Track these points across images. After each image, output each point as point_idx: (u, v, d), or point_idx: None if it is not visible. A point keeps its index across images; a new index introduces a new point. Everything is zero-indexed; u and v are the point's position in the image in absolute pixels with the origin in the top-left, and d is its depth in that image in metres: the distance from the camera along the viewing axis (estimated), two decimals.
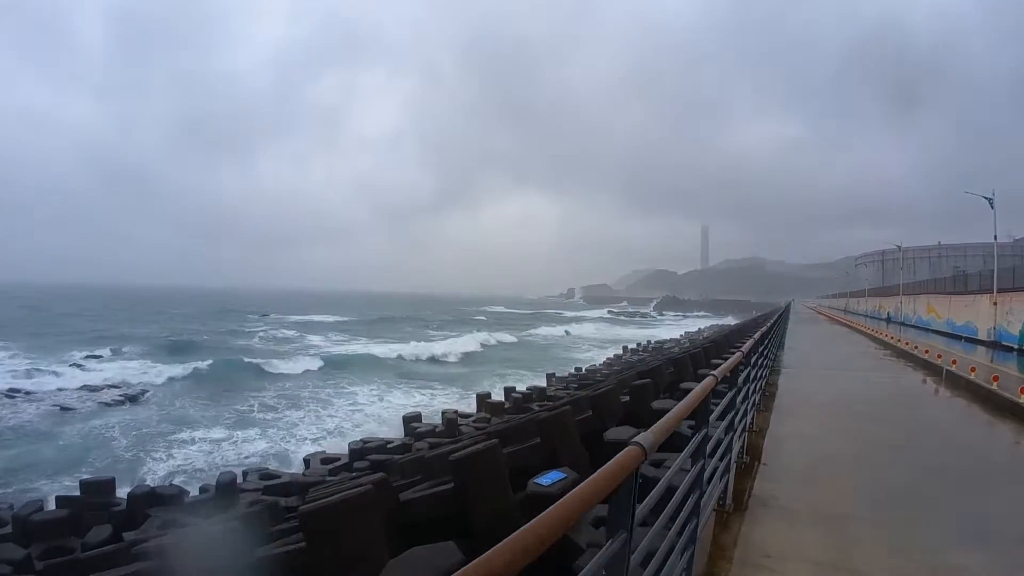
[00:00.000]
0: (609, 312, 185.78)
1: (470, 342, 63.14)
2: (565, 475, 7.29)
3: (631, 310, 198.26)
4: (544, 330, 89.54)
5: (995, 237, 31.23)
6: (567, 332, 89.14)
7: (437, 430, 20.92)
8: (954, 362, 17.61)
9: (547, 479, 7.14)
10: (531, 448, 9.73)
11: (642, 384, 13.04)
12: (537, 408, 18.25)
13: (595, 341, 75.55)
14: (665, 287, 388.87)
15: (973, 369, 15.85)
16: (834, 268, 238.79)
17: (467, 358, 53.84)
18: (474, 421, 21.75)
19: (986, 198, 29.99)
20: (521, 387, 29.17)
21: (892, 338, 29.28)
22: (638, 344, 57.79)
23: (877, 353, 25.54)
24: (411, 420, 22.64)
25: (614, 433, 9.53)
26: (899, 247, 64.78)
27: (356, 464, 17.21)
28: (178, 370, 39.78)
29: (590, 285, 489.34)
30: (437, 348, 57.80)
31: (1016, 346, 26.85)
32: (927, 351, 22.08)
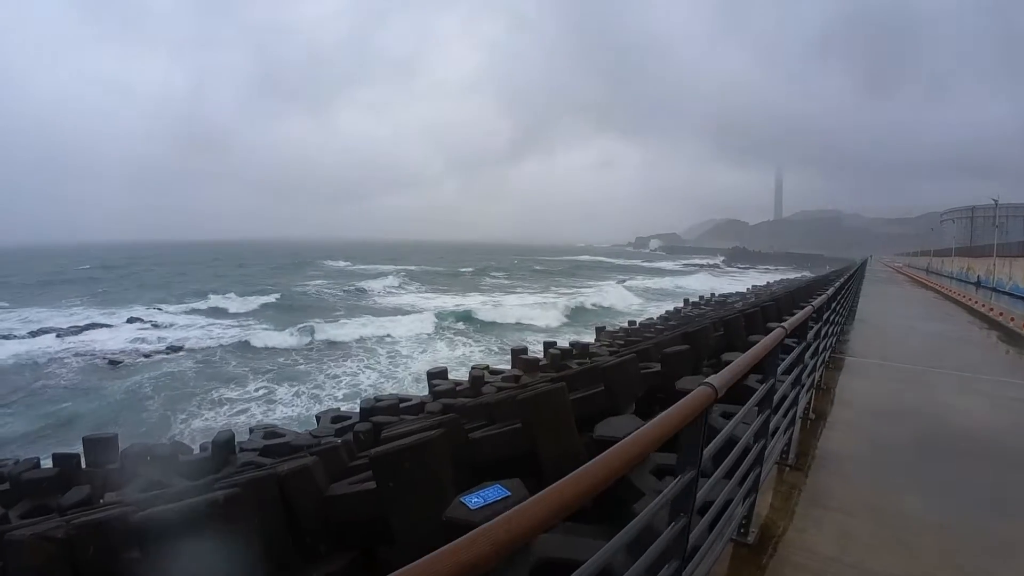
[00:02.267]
0: (674, 262, 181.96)
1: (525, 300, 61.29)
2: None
3: (699, 261, 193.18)
4: (605, 282, 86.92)
5: None
6: (623, 281, 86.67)
7: (458, 388, 19.30)
8: None
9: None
10: (596, 395, 9.43)
11: (676, 352, 11.21)
12: (576, 366, 16.96)
13: (654, 291, 72.82)
14: (736, 238, 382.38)
15: None
16: (916, 224, 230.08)
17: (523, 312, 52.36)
18: (503, 379, 19.99)
19: None
20: (564, 342, 27.26)
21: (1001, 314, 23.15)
22: (700, 297, 55.20)
23: (982, 337, 18.77)
24: (435, 376, 21.00)
25: (686, 383, 8.90)
26: (995, 201, 58.84)
27: (428, 407, 16.70)
28: (226, 327, 39.92)
29: (659, 234, 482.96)
30: (509, 300, 57.91)
31: None
32: None
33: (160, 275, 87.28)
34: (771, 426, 4.44)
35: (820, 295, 9.17)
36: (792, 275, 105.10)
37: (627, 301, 60.63)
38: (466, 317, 45.43)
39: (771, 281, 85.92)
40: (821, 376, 9.85)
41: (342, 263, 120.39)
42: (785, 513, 5.11)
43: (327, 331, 37.29)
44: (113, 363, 30.12)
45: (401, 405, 17.67)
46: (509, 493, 5.24)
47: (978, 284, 52.40)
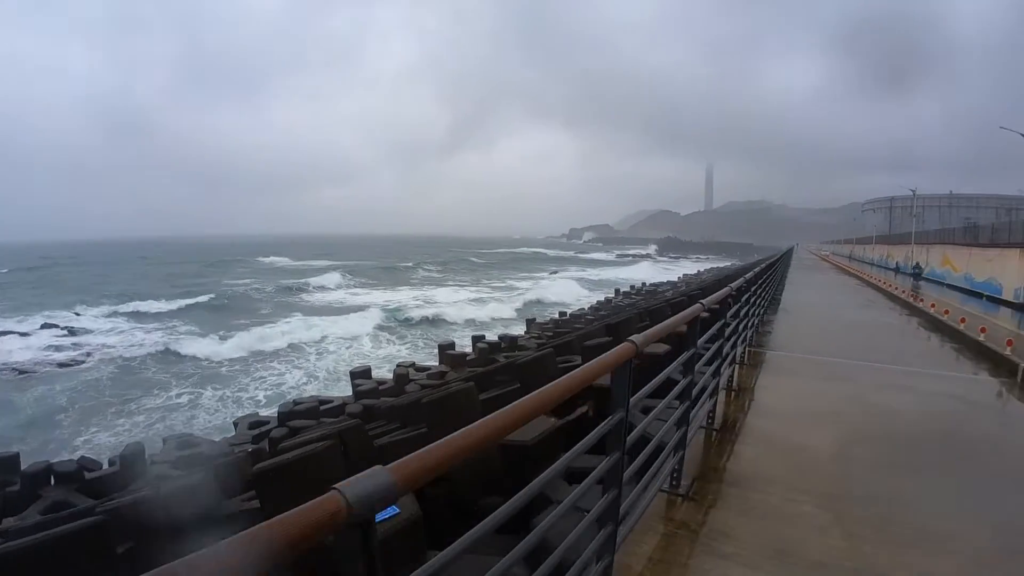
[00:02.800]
0: (605, 252, 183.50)
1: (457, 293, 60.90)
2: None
3: (631, 251, 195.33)
4: (537, 273, 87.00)
5: None
6: (555, 272, 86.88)
7: (382, 387, 18.82)
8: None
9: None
10: (510, 393, 9.17)
11: (598, 345, 11.08)
12: (503, 359, 16.80)
13: (588, 283, 73.03)
14: (668, 228, 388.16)
15: None
16: (840, 214, 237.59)
17: (454, 307, 51.72)
18: (428, 376, 19.63)
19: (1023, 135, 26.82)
20: (492, 336, 26.97)
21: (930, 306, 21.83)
22: (632, 287, 55.56)
23: (903, 324, 19.09)
24: (358, 376, 20.48)
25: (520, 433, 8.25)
26: (914, 192, 61.11)
27: (349, 409, 16.06)
28: (149, 331, 38.55)
29: (591, 225, 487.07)
30: (439, 295, 57.10)
31: None
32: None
33: (80, 276, 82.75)
34: (694, 391, 4.93)
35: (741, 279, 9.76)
36: (722, 264, 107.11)
37: (576, 293, 60.43)
38: (402, 314, 44.53)
39: (701, 270, 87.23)
40: (744, 352, 10.48)
41: (278, 260, 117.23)
42: (711, 470, 5.85)
43: (257, 332, 35.94)
44: (23, 374, 28.49)
45: (321, 407, 17.07)
46: (398, 511, 4.92)
47: (897, 270, 54.38)
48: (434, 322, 42.54)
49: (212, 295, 54.92)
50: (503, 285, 71.18)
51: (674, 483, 5.16)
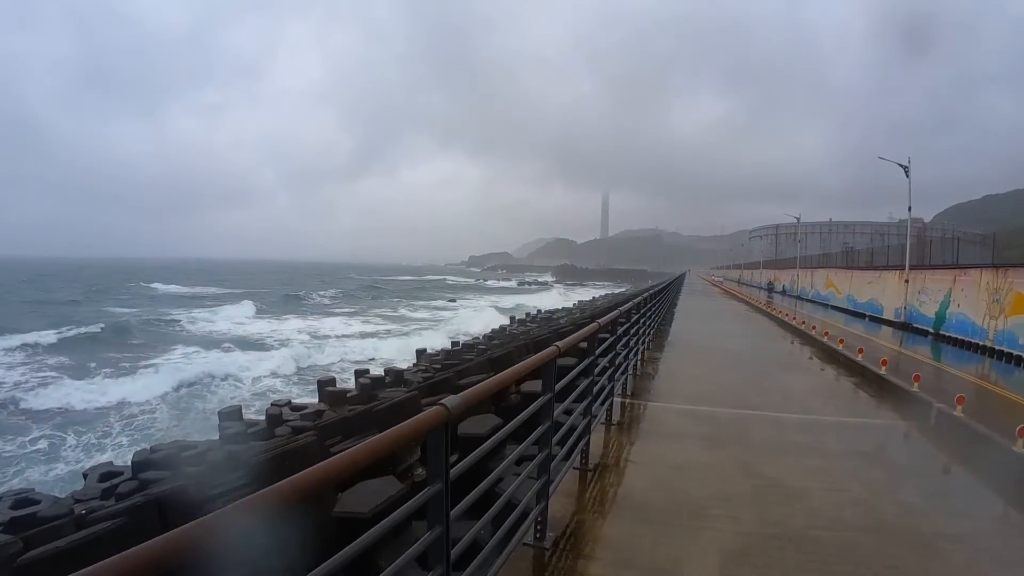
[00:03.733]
0: (504, 280, 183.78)
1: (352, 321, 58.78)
2: None
3: (528, 278, 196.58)
4: (435, 301, 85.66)
5: (909, 209, 28.66)
6: (453, 300, 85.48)
7: (251, 430, 17.38)
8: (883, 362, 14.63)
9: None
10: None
11: (467, 384, 10.12)
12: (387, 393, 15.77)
13: (484, 310, 72.25)
14: (565, 256, 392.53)
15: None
16: (729, 240, 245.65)
17: (346, 333, 49.72)
18: (303, 415, 18.29)
19: (901, 165, 27.67)
20: (378, 369, 25.71)
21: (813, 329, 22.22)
22: (527, 314, 55.21)
23: (796, 355, 18.54)
24: (227, 417, 18.88)
25: (470, 425, 8.41)
26: (798, 219, 63.74)
27: (211, 456, 14.68)
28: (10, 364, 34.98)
29: (490, 253, 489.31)
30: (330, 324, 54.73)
31: (931, 330, 24.51)
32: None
33: None
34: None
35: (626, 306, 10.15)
36: (617, 290, 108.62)
37: (496, 321, 58.17)
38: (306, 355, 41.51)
39: (596, 296, 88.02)
40: (618, 406, 9.06)
41: (165, 287, 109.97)
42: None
43: (135, 368, 33.22)
44: None
45: (183, 455, 15.48)
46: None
47: (783, 292, 56.78)
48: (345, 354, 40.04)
49: (82, 327, 50.22)
50: (419, 316, 68.90)
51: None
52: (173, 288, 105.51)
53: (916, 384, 11.48)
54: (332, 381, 23.11)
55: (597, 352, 6.53)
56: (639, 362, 12.44)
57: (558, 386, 4.70)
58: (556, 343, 4.65)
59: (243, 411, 19.77)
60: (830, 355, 17.25)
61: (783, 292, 57.06)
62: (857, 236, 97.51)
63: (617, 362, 8.17)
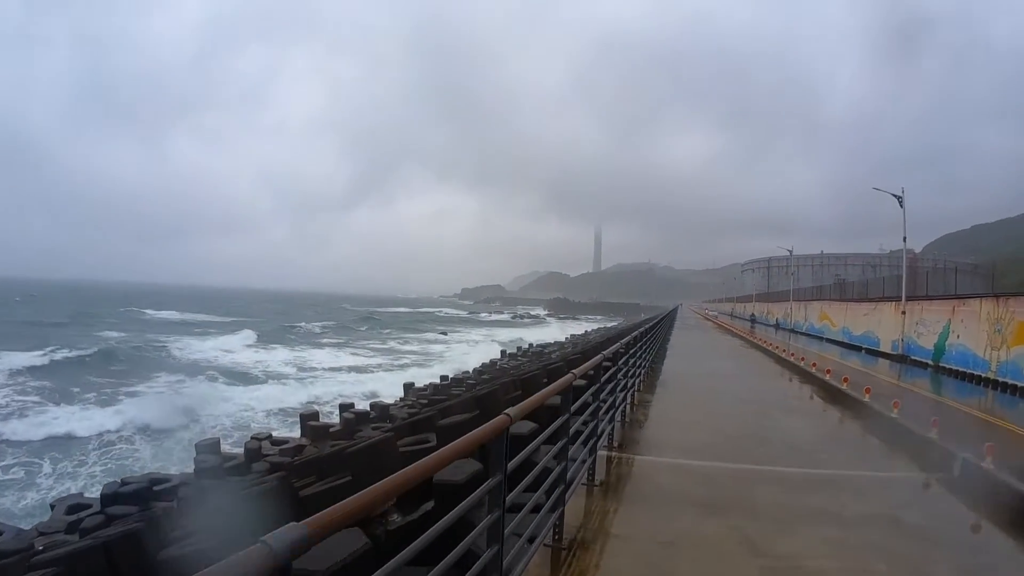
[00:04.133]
0: (496, 313, 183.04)
1: (341, 353, 57.56)
2: None
3: (521, 311, 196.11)
4: (427, 333, 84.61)
5: (904, 239, 28.36)
6: (444, 333, 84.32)
7: (227, 465, 16.66)
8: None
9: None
10: (337, 489, 8.01)
11: (454, 425, 9.47)
12: (372, 431, 15.13)
13: (476, 343, 71.39)
14: (558, 289, 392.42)
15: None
16: (721, 273, 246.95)
17: (335, 365, 48.76)
18: (282, 451, 17.57)
19: (895, 195, 27.35)
20: (364, 403, 24.95)
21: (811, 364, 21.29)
22: (518, 348, 54.47)
23: (798, 396, 17.00)
24: (204, 449, 18.10)
25: (449, 472, 7.68)
26: (790, 251, 63.49)
27: (183, 492, 14.35)
28: None
29: (483, 286, 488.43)
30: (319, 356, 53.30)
31: (930, 362, 23.94)
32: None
33: None
34: (570, 453, 5.31)
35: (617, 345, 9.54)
36: (609, 323, 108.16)
37: (488, 355, 56.69)
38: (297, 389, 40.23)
39: (588, 330, 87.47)
40: (624, 413, 9.83)
41: (164, 312, 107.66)
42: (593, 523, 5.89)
43: (121, 395, 32.14)
44: None
45: (155, 488, 14.83)
46: None
47: (776, 326, 56.19)
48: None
49: (70, 351, 48.91)
50: (409, 348, 67.28)
51: (556, 537, 5.27)
52: (165, 314, 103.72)
53: (935, 430, 10.15)
54: (315, 415, 22.36)
55: (572, 408, 5.45)
56: (628, 406, 11.50)
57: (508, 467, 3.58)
58: (507, 411, 3.53)
59: (221, 443, 19.17)
60: (833, 395, 16.09)
61: (776, 325, 56.63)
62: (849, 268, 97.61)
63: (600, 414, 7.15)
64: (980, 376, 19.99)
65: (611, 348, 8.87)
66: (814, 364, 21.09)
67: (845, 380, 16.19)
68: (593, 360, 6.68)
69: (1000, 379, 18.79)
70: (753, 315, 69.01)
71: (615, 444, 9.06)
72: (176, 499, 14.08)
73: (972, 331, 20.85)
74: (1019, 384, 17.64)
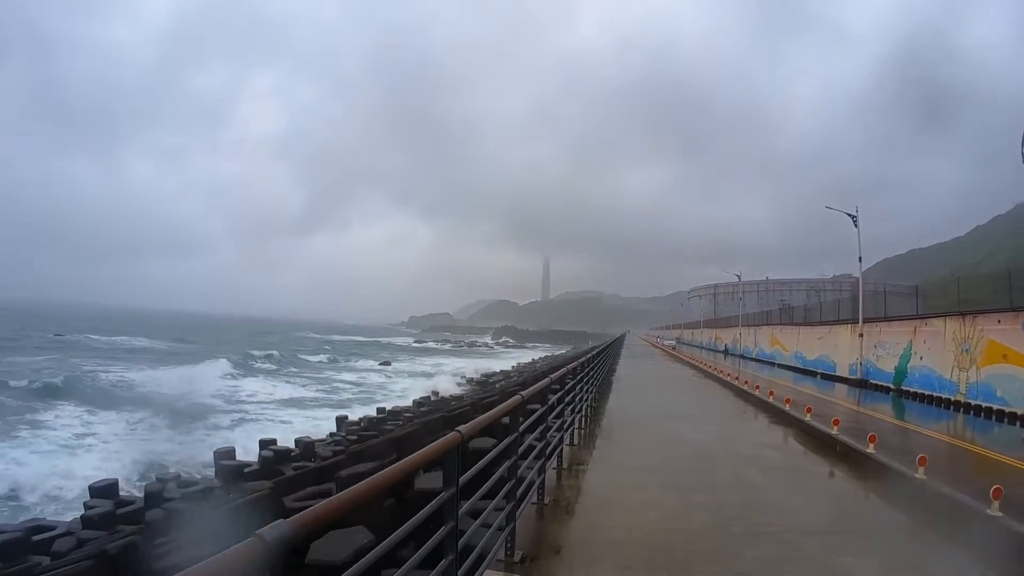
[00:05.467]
0: (442, 342, 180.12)
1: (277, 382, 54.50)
2: None
3: (468, 339, 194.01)
4: (368, 361, 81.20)
5: (860, 259, 27.24)
6: (387, 363, 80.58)
7: (122, 510, 14.52)
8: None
9: None
10: None
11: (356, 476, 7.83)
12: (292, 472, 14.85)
13: (419, 374, 68.80)
14: (506, 317, 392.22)
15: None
16: (668, 301, 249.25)
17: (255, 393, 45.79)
18: (184, 496, 15.55)
19: (849, 215, 26.41)
20: (289, 439, 22.69)
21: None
22: (463, 377, 52.62)
23: (769, 443, 13.48)
24: (99, 493, 15.83)
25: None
26: (739, 276, 62.83)
27: (56, 546, 12.16)
28: None
29: (431, 314, 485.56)
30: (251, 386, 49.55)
31: (891, 386, 22.86)
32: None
33: None
34: (519, 472, 5.44)
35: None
36: (557, 351, 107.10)
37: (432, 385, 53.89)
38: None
39: (536, 358, 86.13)
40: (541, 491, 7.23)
41: (91, 336, 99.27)
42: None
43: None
44: None
45: (34, 539, 12.56)
46: None
47: (726, 352, 55.55)
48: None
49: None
50: (348, 378, 63.50)
51: (509, 552, 5.31)
52: (93, 338, 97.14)
53: (997, 501, 7.13)
54: (230, 452, 20.09)
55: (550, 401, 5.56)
56: (560, 465, 9.15)
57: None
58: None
59: (119, 485, 16.83)
60: (819, 441, 13.02)
61: (725, 352, 55.90)
62: (793, 293, 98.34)
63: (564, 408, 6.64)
64: (948, 399, 18.90)
65: (530, 389, 6.42)
66: (788, 401, 16.73)
67: (836, 422, 12.96)
68: (540, 384, 6.59)
69: (971, 401, 17.70)
70: (678, 338, 68.16)
71: (516, 558, 5.48)
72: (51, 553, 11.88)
73: (936, 352, 19.83)
74: (993, 406, 16.55)
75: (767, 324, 47.07)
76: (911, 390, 21.29)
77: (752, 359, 45.97)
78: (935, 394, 19.63)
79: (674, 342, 65.80)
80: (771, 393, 18.64)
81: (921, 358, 20.80)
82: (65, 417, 31.94)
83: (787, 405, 16.22)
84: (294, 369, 67.00)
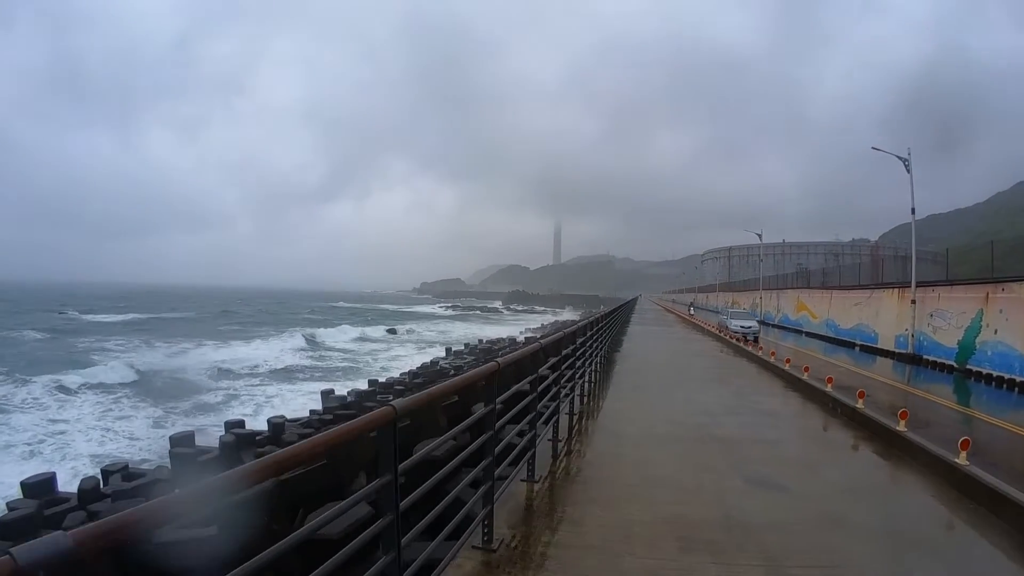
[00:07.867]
0: (453, 308, 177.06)
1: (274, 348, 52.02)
2: None
3: (479, 304, 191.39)
4: (372, 329, 77.48)
5: (912, 211, 24.08)
6: (392, 331, 77.16)
7: (47, 512, 12.20)
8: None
9: None
10: None
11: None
12: (252, 458, 10.22)
13: (425, 341, 65.85)
14: (518, 282, 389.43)
15: None
16: (681, 265, 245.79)
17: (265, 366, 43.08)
18: (132, 487, 13.01)
19: (900, 158, 23.13)
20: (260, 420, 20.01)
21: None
22: (466, 345, 49.85)
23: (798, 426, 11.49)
24: (34, 490, 13.31)
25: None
26: (760, 235, 57.98)
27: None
28: None
29: (442, 279, 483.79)
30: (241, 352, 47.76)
31: (953, 364, 19.59)
32: None
33: None
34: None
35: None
36: (568, 316, 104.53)
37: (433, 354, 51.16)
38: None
39: (544, 323, 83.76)
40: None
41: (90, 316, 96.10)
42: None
43: None
44: None
45: None
46: None
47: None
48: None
49: None
50: (351, 347, 60.37)
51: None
52: (89, 317, 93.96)
53: None
54: (190, 437, 17.35)
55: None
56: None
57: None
58: (392, 402, 3.57)
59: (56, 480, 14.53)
60: (852, 417, 10.58)
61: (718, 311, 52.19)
62: (811, 257, 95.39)
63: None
64: None
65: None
66: (862, 394, 11.59)
67: (861, 393, 10.53)
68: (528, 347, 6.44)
69: None
70: (692, 303, 68.35)
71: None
72: None
73: (1018, 325, 16.42)
74: None
75: (792, 287, 43.79)
76: (981, 370, 18.03)
77: (774, 325, 42.66)
78: (1016, 377, 16.33)
79: (690, 307, 62.70)
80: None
81: (996, 332, 17.38)
82: None
83: (860, 400, 11.43)
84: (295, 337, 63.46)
